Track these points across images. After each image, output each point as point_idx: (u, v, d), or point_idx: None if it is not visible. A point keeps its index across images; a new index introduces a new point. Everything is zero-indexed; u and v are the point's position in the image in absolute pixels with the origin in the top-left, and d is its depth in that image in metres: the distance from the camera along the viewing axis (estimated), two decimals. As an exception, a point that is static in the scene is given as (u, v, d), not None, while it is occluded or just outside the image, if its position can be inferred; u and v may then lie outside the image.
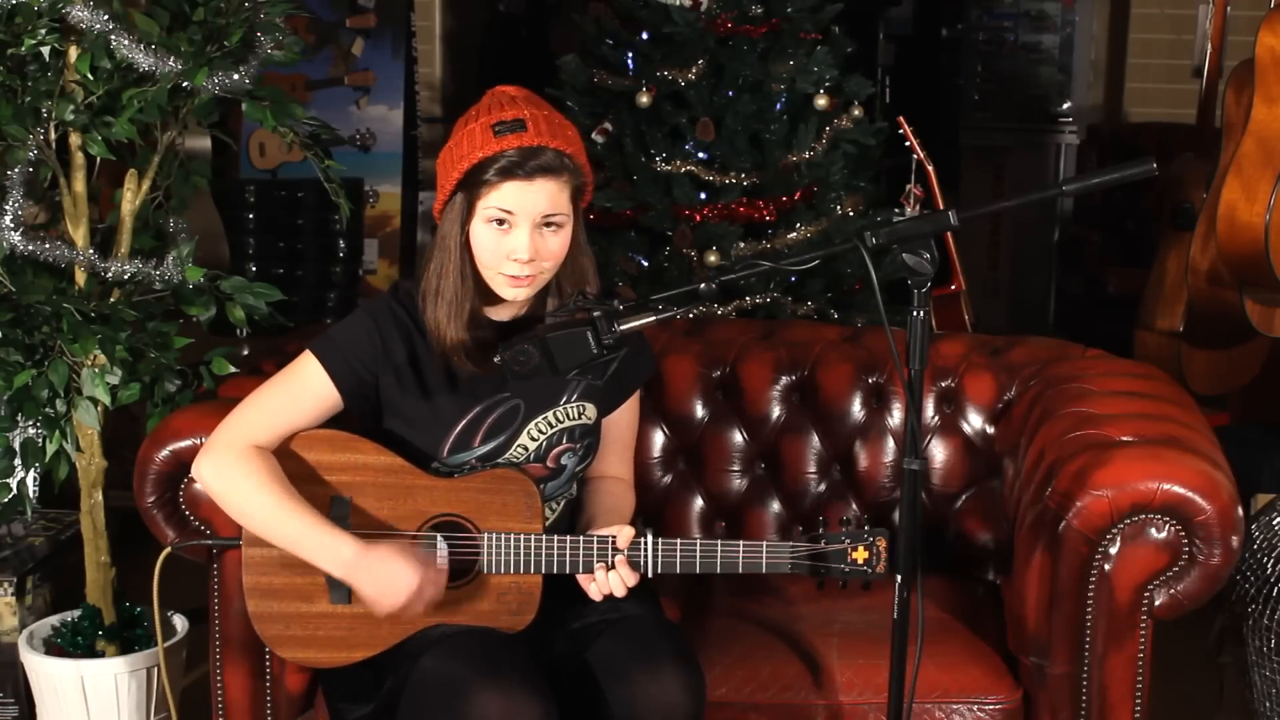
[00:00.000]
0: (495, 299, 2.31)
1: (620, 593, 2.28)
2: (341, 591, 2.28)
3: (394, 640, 2.29)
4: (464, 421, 2.33)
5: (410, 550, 2.25)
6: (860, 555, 2.32)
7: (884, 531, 2.32)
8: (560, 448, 2.39)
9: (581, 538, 2.29)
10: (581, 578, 2.30)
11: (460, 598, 2.30)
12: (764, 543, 2.33)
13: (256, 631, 2.32)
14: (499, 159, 2.20)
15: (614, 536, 2.29)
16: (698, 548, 2.31)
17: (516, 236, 2.22)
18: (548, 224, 2.23)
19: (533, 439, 2.37)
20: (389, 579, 2.22)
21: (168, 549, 2.50)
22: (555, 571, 2.30)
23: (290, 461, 2.28)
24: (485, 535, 2.29)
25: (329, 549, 2.23)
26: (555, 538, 2.29)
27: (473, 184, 2.23)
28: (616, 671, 2.21)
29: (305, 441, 2.30)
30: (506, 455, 2.36)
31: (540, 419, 2.37)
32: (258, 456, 2.25)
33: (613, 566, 2.28)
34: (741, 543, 2.32)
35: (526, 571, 2.30)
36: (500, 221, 2.22)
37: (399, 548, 2.24)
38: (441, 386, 2.33)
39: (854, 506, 2.88)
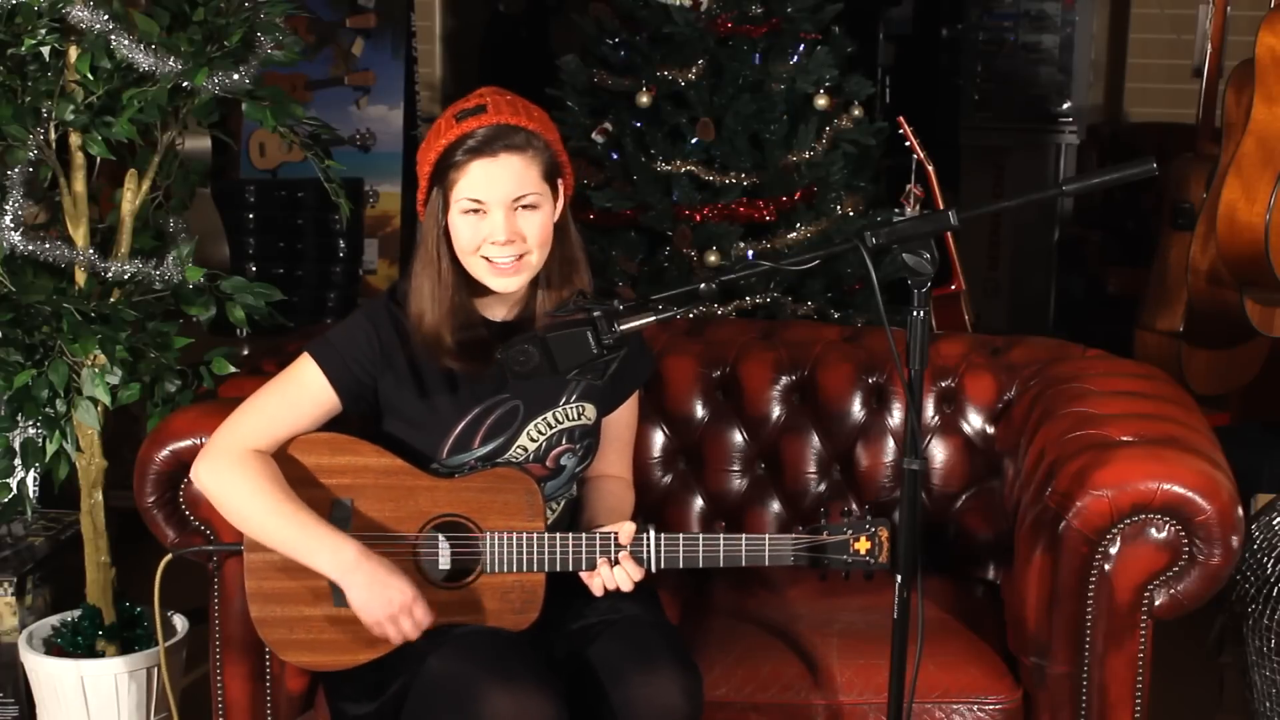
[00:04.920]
0: (486, 293, 2.31)
1: (627, 587, 2.28)
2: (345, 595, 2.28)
3: (398, 642, 2.29)
4: (463, 423, 2.33)
5: (407, 576, 2.25)
6: (863, 546, 2.33)
7: (885, 522, 2.33)
8: (560, 448, 2.39)
9: (584, 535, 2.29)
10: (585, 575, 2.30)
11: (464, 597, 2.30)
12: (766, 535, 2.34)
13: (260, 636, 2.32)
14: (463, 141, 2.22)
15: (616, 533, 2.29)
16: (700, 542, 2.31)
17: (491, 220, 2.23)
18: (522, 205, 2.24)
19: (532, 440, 2.37)
20: (383, 587, 2.22)
21: (169, 556, 2.50)
22: (559, 569, 2.30)
23: (290, 465, 2.28)
24: (488, 535, 2.29)
25: (329, 550, 2.22)
26: (558, 535, 2.29)
27: (443, 173, 2.24)
28: (613, 673, 2.21)
29: (305, 445, 2.30)
30: (506, 456, 2.36)
31: (540, 420, 2.37)
32: (256, 460, 2.25)
33: (617, 562, 2.28)
34: (744, 535, 2.33)
35: (530, 570, 2.30)
36: (475, 211, 2.23)
37: (398, 567, 2.25)
38: (440, 388, 2.33)
39: (854, 506, 2.88)
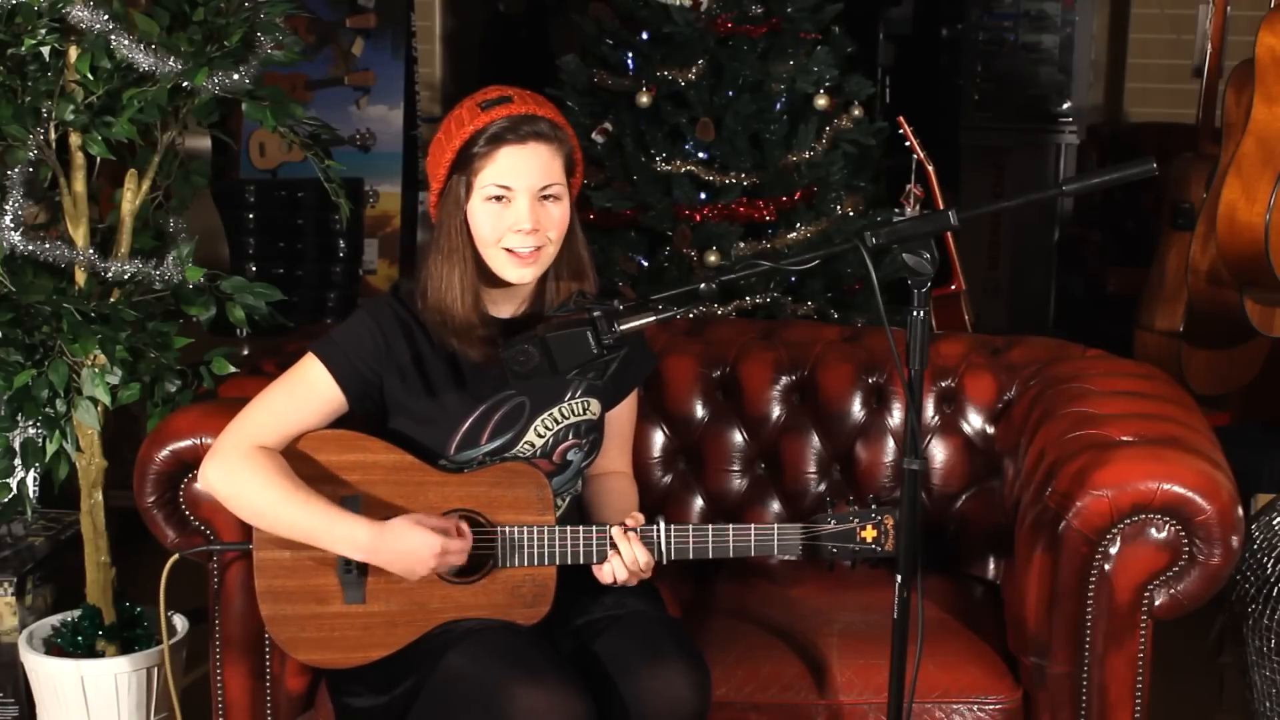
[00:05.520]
0: (497, 284, 2.30)
1: (644, 561, 2.28)
2: (356, 591, 2.28)
3: (410, 638, 2.29)
4: (471, 419, 2.33)
5: (424, 518, 2.24)
6: (869, 534, 2.33)
7: (891, 509, 2.33)
8: (566, 444, 2.39)
9: (595, 526, 2.30)
10: (595, 566, 2.30)
11: (476, 592, 2.30)
12: (775, 525, 2.34)
13: (271, 635, 2.32)
14: (489, 128, 2.22)
15: (626, 523, 2.29)
16: (710, 532, 2.32)
17: (516, 209, 2.23)
18: (546, 195, 2.24)
19: (539, 435, 2.37)
20: (411, 549, 2.21)
21: (175, 557, 2.50)
22: (569, 562, 2.30)
23: (299, 462, 2.28)
24: (498, 528, 2.29)
25: (345, 536, 2.23)
26: (568, 529, 2.30)
27: (466, 161, 2.24)
28: (622, 668, 2.21)
29: (313, 442, 2.30)
30: (513, 452, 2.36)
31: (546, 415, 2.37)
32: (264, 456, 2.25)
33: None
34: (753, 526, 2.34)
35: (541, 563, 2.30)
36: (499, 198, 2.23)
37: (413, 518, 2.24)
38: (447, 384, 2.33)
39: (854, 506, 2.88)
